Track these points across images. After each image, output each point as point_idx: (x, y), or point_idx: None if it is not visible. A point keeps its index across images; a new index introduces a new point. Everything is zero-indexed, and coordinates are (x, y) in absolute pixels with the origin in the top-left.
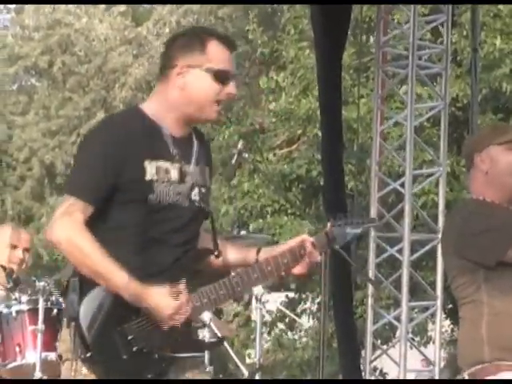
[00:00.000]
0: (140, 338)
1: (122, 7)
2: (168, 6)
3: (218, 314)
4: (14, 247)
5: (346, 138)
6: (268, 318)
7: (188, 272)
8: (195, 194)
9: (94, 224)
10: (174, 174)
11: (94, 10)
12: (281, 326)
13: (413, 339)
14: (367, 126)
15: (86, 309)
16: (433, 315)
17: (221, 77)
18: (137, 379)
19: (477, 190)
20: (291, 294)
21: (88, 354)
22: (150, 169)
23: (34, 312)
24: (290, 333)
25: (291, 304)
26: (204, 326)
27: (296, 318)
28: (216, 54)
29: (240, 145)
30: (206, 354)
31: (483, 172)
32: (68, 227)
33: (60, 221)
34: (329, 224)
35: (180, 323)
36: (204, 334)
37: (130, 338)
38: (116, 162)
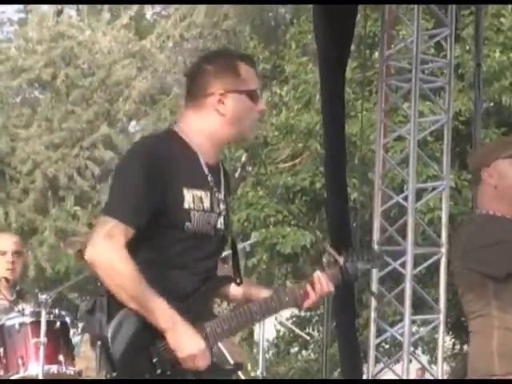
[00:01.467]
0: (164, 361)
1: (125, 20)
2: (171, 20)
3: None
4: (2, 253)
5: (348, 149)
6: (273, 332)
7: (207, 299)
8: (221, 223)
9: (131, 246)
10: (207, 203)
11: (98, 23)
12: (293, 343)
13: (414, 352)
14: (367, 139)
15: (115, 329)
16: (435, 329)
17: (254, 96)
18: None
19: (485, 205)
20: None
21: (114, 374)
22: (188, 196)
23: (36, 324)
24: (298, 348)
25: (298, 320)
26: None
27: (302, 334)
28: (247, 76)
29: (244, 157)
30: None
31: (492, 186)
32: (110, 250)
33: (103, 243)
34: (342, 259)
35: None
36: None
37: (154, 360)
38: (158, 187)
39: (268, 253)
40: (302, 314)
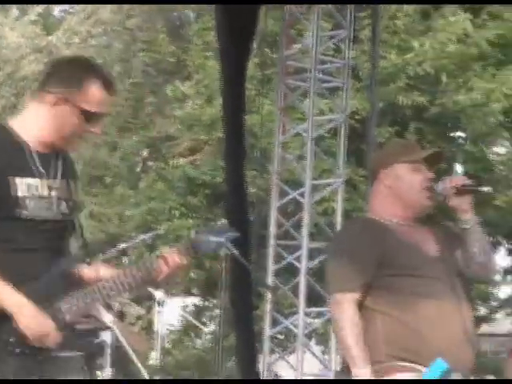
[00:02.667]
0: (21, 340)
1: (33, 16)
2: (78, 17)
3: (121, 316)
4: None
5: (248, 143)
6: (173, 322)
7: (59, 280)
8: (64, 208)
9: None
10: (43, 190)
11: (6, 19)
12: (187, 332)
13: (308, 343)
14: (270, 132)
15: None
16: (329, 321)
17: (90, 117)
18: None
19: (378, 204)
20: (195, 300)
21: None
22: (22, 186)
23: None
24: (192, 337)
25: (197, 311)
26: (107, 328)
27: (200, 326)
28: (93, 96)
29: (145, 153)
30: (109, 357)
31: (387, 188)
32: None
33: None
34: (193, 232)
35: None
36: (106, 337)
37: (11, 340)
38: None
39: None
40: (201, 304)
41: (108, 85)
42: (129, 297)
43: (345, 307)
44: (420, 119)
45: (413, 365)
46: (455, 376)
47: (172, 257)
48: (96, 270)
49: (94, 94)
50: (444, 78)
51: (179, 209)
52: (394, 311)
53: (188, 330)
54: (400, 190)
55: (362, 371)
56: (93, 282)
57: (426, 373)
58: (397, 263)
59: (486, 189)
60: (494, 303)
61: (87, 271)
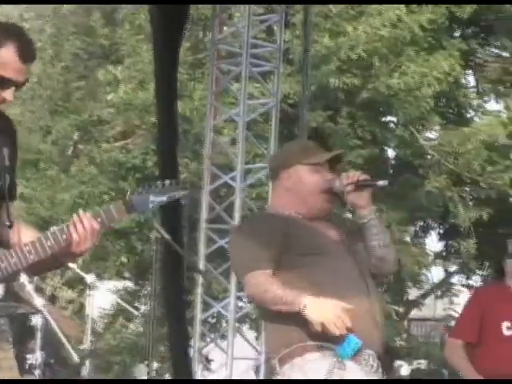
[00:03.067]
0: None
1: None
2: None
3: (53, 300)
4: None
5: (181, 128)
6: (106, 306)
7: None
8: None
9: None
10: None
11: None
12: (118, 317)
13: (240, 327)
14: (203, 117)
15: None
16: None
17: (2, 83)
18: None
19: (278, 201)
20: (127, 284)
21: None
22: None
23: None
24: (124, 321)
25: (129, 295)
26: (37, 312)
27: (132, 310)
28: (4, 60)
29: (76, 136)
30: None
31: (287, 188)
32: None
33: None
34: (128, 192)
35: None
36: (36, 320)
37: None
38: None
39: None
40: (133, 288)
41: (24, 51)
42: (51, 270)
43: (259, 280)
44: (352, 103)
45: (323, 343)
46: (369, 353)
47: (81, 221)
48: (18, 233)
49: (6, 58)
50: (376, 62)
51: (109, 193)
52: (305, 291)
53: (120, 314)
54: (300, 191)
55: (304, 299)
56: (14, 245)
57: (339, 349)
58: (303, 243)
59: (382, 183)
60: (426, 286)
61: (8, 233)
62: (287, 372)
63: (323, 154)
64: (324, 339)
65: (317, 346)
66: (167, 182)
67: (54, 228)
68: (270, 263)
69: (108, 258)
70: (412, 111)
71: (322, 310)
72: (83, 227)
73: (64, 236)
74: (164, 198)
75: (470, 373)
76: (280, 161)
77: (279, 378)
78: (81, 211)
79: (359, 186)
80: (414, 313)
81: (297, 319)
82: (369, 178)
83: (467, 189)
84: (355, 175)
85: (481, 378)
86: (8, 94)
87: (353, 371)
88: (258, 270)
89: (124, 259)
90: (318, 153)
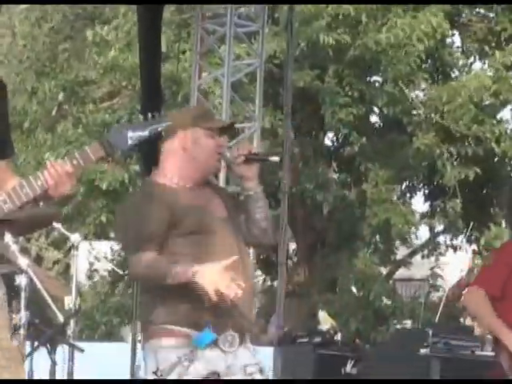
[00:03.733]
0: None
1: None
2: None
3: (39, 261)
4: None
5: (170, 90)
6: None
7: None
8: None
9: None
10: None
11: None
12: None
13: None
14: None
15: None
16: None
17: None
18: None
19: (170, 165)
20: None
21: None
22: None
23: None
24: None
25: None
26: (21, 272)
27: (118, 270)
28: None
29: (61, 97)
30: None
31: (184, 148)
32: None
33: None
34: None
35: None
36: (20, 280)
37: None
38: None
39: (85, 187)
40: (118, 248)
41: None
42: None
43: (145, 258)
44: (340, 61)
45: (181, 329)
46: (232, 334)
47: (53, 166)
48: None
49: None
50: (364, 18)
51: None
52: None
53: (106, 276)
54: (195, 152)
55: (194, 267)
56: None
57: (194, 340)
58: (186, 223)
59: (274, 158)
60: (415, 245)
61: None
62: (146, 348)
63: (219, 120)
64: (184, 324)
65: (172, 330)
66: (149, 115)
67: (28, 178)
68: (154, 244)
69: (90, 215)
70: (401, 67)
71: (213, 274)
72: (56, 171)
73: (39, 182)
74: (145, 133)
75: (494, 319)
76: (177, 121)
77: (142, 348)
78: (51, 158)
79: (248, 160)
80: (400, 272)
81: (166, 300)
82: (259, 153)
83: (455, 146)
84: (247, 147)
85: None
86: None
87: (204, 359)
88: (143, 252)
89: (103, 218)
90: (214, 119)
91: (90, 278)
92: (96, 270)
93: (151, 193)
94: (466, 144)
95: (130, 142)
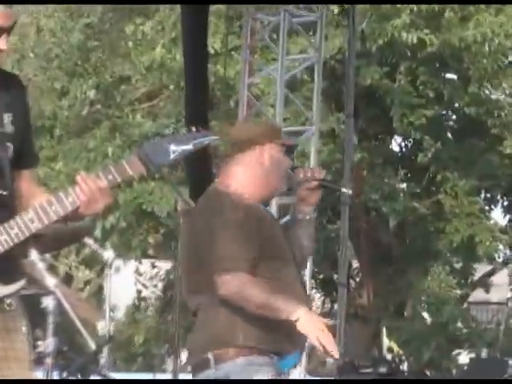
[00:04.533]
0: None
1: None
2: None
3: (68, 281)
4: None
5: (222, 93)
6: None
7: None
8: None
9: None
10: None
11: None
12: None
13: None
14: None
15: None
16: None
17: None
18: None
19: (244, 179)
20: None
21: None
22: None
23: None
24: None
25: (151, 275)
26: (49, 293)
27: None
28: None
29: (92, 95)
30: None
31: (260, 164)
32: None
33: None
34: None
35: None
36: (47, 303)
37: None
38: None
39: (131, 210)
40: (155, 267)
41: None
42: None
43: (242, 280)
44: (413, 59)
45: (268, 348)
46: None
47: (85, 181)
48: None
49: None
50: (447, 14)
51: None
52: None
53: (140, 299)
54: (271, 169)
55: (298, 311)
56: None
57: (282, 362)
58: (270, 251)
59: (345, 190)
60: (499, 264)
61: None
62: (227, 369)
63: (289, 138)
64: (270, 346)
65: (252, 348)
66: (193, 128)
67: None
68: (249, 265)
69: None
70: (487, 65)
71: (314, 324)
72: (89, 187)
73: (70, 199)
74: (189, 146)
75: None
76: (253, 134)
77: (213, 373)
78: (82, 172)
79: (320, 186)
80: (475, 295)
81: (245, 320)
82: (326, 180)
83: None
84: (320, 172)
85: None
86: (0, 42)
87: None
88: (239, 271)
89: (150, 239)
90: (282, 136)
91: (137, 308)
92: (144, 299)
93: (239, 207)
94: None
95: (172, 156)
